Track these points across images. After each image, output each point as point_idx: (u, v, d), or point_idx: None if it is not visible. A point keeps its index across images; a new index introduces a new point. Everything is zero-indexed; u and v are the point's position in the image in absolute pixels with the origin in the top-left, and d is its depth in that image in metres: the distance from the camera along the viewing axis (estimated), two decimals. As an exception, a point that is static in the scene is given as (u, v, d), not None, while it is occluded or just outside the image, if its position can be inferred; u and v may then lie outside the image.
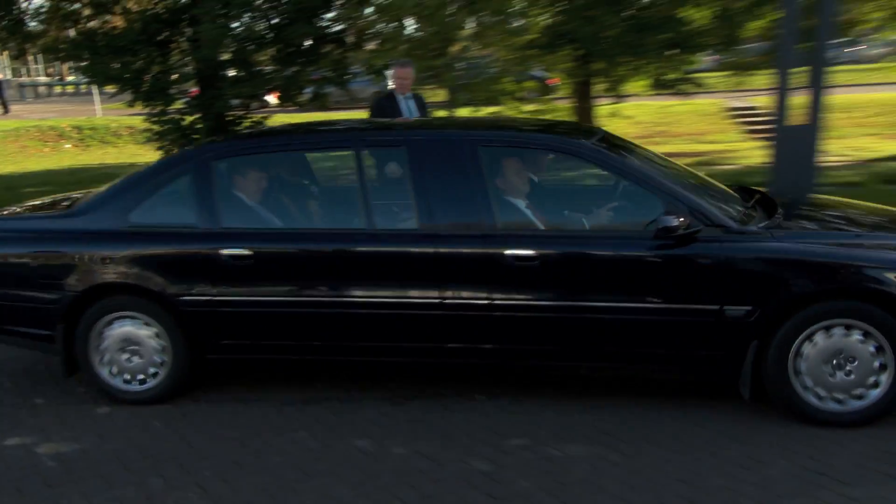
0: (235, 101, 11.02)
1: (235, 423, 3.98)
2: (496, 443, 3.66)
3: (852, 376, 3.58)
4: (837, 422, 3.64)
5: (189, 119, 10.89)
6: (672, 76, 12.52)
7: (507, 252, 3.76)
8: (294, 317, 4.06)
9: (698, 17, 12.46)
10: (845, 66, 22.45)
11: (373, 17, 11.38)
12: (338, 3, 12.10)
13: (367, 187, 4.08)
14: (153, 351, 4.14)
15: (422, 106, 6.38)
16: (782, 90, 6.11)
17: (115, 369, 4.17)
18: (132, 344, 4.13)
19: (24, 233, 4.37)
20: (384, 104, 5.96)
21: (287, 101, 12.10)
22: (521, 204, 4.07)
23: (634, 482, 3.27)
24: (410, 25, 11.30)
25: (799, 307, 3.60)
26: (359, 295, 4.02)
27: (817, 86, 6.05)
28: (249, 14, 10.98)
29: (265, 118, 11.96)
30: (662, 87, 12.74)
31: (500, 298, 3.84)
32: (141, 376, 4.17)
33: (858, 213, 4.50)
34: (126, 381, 4.19)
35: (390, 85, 15.36)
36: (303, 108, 12.71)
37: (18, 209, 4.91)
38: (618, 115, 13.15)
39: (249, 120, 11.55)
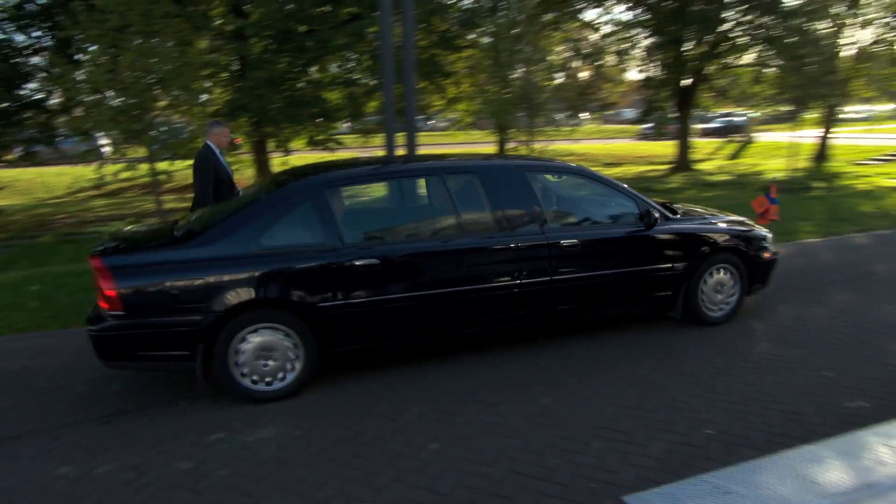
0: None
1: (-88, 484, 2.59)
2: (197, 441, 2.88)
3: (724, 295, 4.26)
4: (721, 322, 4.27)
5: None
6: (321, 137, 12.38)
7: (562, 241, 3.72)
8: (407, 306, 3.44)
9: (334, 97, 12.50)
10: (426, 132, 24.90)
11: (75, 88, 9.04)
12: (39, 75, 9.47)
13: (455, 202, 3.66)
14: (287, 353, 3.27)
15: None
16: (390, 147, 6.13)
17: (254, 376, 3.23)
18: (267, 350, 3.23)
19: (159, 265, 3.08)
20: (207, 153, 4.73)
21: (-7, 158, 9.14)
22: None
23: (311, 449, 2.80)
24: (112, 96, 9.19)
25: (702, 260, 4.12)
26: (461, 281, 3.52)
27: (411, 145, 6.18)
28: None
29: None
30: (316, 144, 12.50)
31: (557, 273, 3.73)
32: (280, 375, 3.27)
33: (698, 208, 4.80)
34: (265, 384, 3.26)
35: (100, 142, 12.42)
36: (12, 164, 9.71)
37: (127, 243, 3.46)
38: (288, 165, 12.44)
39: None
